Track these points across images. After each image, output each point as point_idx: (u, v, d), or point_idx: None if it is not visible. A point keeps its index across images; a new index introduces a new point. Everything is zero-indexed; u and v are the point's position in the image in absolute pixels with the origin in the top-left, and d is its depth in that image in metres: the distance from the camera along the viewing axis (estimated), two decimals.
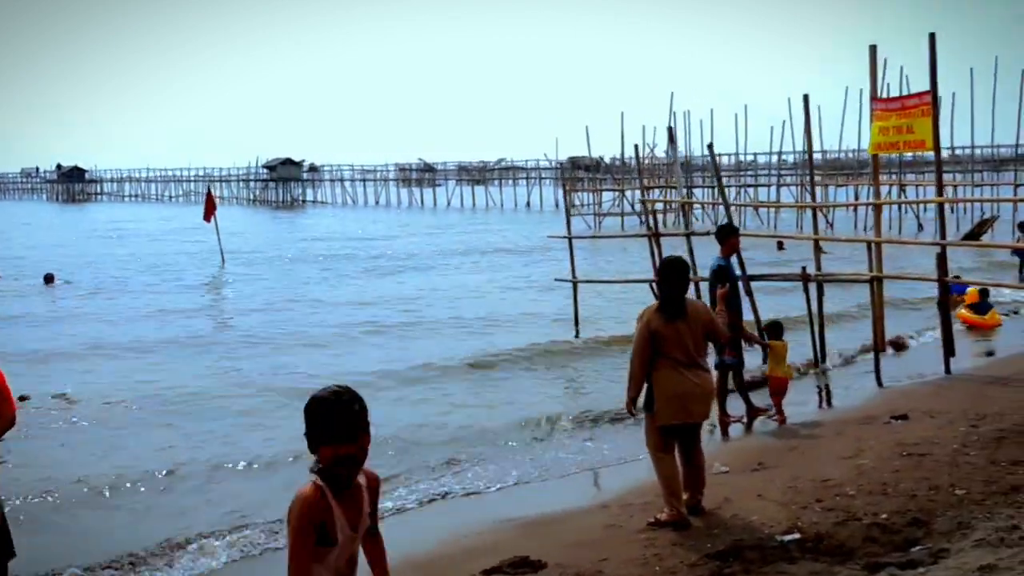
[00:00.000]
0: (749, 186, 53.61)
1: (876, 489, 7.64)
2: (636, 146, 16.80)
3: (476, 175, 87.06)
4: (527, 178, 79.34)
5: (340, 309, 22.30)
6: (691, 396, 7.13)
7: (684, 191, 47.17)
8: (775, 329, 11.18)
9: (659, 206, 42.45)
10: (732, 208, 44.31)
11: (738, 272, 14.33)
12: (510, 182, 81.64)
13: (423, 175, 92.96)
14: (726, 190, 52.12)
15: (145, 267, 33.21)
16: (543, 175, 75.81)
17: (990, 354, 15.41)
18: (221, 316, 22.44)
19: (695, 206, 43.65)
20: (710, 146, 14.64)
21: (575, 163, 69.59)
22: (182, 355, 17.04)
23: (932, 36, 12.78)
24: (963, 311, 17.82)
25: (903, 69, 37.33)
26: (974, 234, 34.67)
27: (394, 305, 22.65)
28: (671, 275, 7.25)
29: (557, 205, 52.20)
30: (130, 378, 14.99)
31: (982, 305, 17.72)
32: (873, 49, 13.79)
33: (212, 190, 35.97)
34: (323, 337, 18.64)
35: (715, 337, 7.45)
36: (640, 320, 7.28)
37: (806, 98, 14.38)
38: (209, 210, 31.31)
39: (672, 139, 16.06)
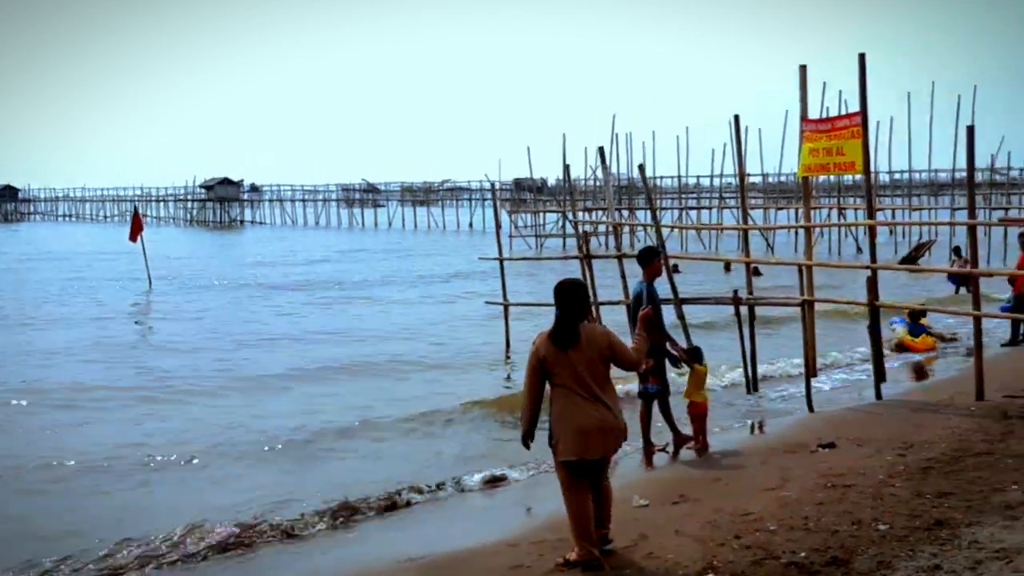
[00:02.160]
0: (692, 208, 53.75)
1: (797, 524, 7.30)
2: (567, 166, 16.43)
3: (421, 196, 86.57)
4: (470, 199, 79.05)
5: (265, 348, 20.13)
6: (589, 431, 6.55)
7: (617, 212, 47.36)
8: (695, 354, 10.84)
9: (601, 228, 42.39)
10: (675, 230, 44.45)
11: (670, 295, 14.09)
12: (452, 203, 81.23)
13: (367, 196, 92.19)
14: (668, 212, 52.28)
15: (64, 291, 31.66)
16: (487, 196, 75.57)
17: (922, 378, 15.30)
18: (136, 353, 19.94)
19: (641, 228, 43.66)
20: (641, 167, 14.36)
21: (519, 184, 69.38)
22: (78, 402, 14.74)
23: (862, 57, 12.62)
24: (900, 330, 17.81)
25: (841, 93, 37.60)
26: (911, 258, 35.00)
27: (327, 342, 20.74)
28: (560, 300, 6.68)
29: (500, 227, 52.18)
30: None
31: (916, 326, 17.69)
32: (803, 69, 13.61)
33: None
34: (242, 382, 16.45)
35: (620, 363, 6.81)
36: (532, 347, 6.77)
37: (736, 119, 14.16)
38: (135, 230, 30.36)
39: (604, 160, 15.71)
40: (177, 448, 11.77)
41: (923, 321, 18.15)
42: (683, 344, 11.52)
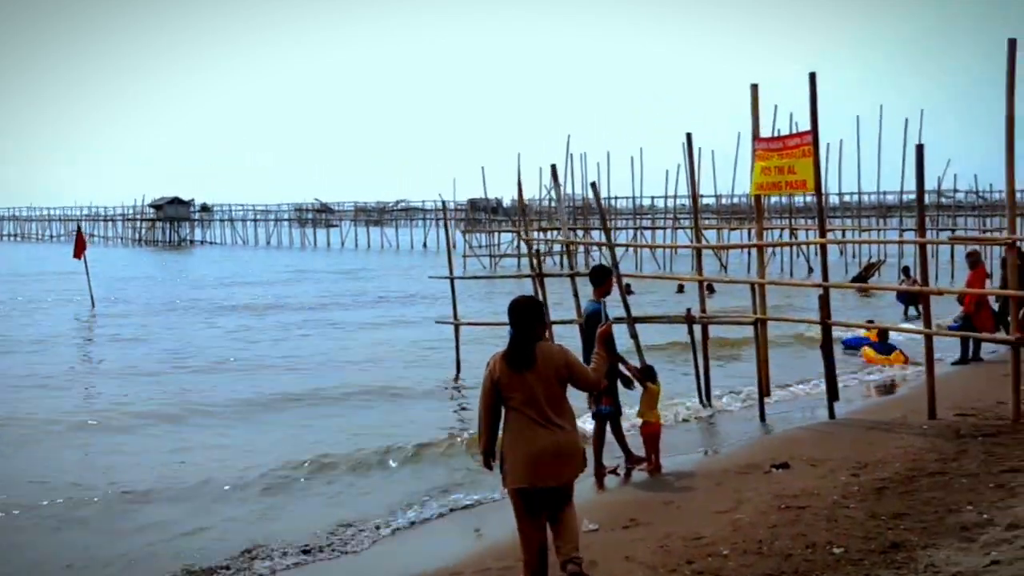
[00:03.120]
0: (646, 228, 53.93)
1: (751, 548, 7.11)
2: (520, 183, 16.24)
3: (375, 216, 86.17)
4: (424, 219, 78.84)
5: (211, 375, 18.71)
6: (542, 457, 6.13)
7: (570, 231, 47.31)
8: (648, 373, 10.66)
9: (556, 247, 42.31)
10: (629, 250, 44.40)
11: (623, 313, 13.93)
12: (406, 223, 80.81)
13: (319, 216, 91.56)
14: (623, 233, 52.21)
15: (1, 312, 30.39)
16: (439, 216, 75.55)
17: (877, 396, 15.26)
18: (76, 379, 18.69)
19: (596, 247, 43.64)
20: (594, 185, 14.19)
21: (474, 205, 69.23)
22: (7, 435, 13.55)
23: (812, 75, 12.61)
24: (866, 349, 17.86)
25: (792, 116, 37.97)
26: (861, 278, 35.33)
27: (276, 368, 19.38)
28: (515, 318, 6.31)
29: (454, 246, 51.75)
30: None
31: (885, 345, 17.73)
32: (755, 88, 13.61)
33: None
34: (188, 412, 15.17)
35: (578, 383, 6.42)
36: (486, 368, 6.41)
37: (689, 137, 14.08)
38: (79, 248, 29.66)
39: (556, 178, 15.53)
40: (114, 486, 10.80)
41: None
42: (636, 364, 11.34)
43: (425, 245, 72.44)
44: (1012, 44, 10.87)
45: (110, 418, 14.84)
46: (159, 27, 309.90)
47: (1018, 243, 11.90)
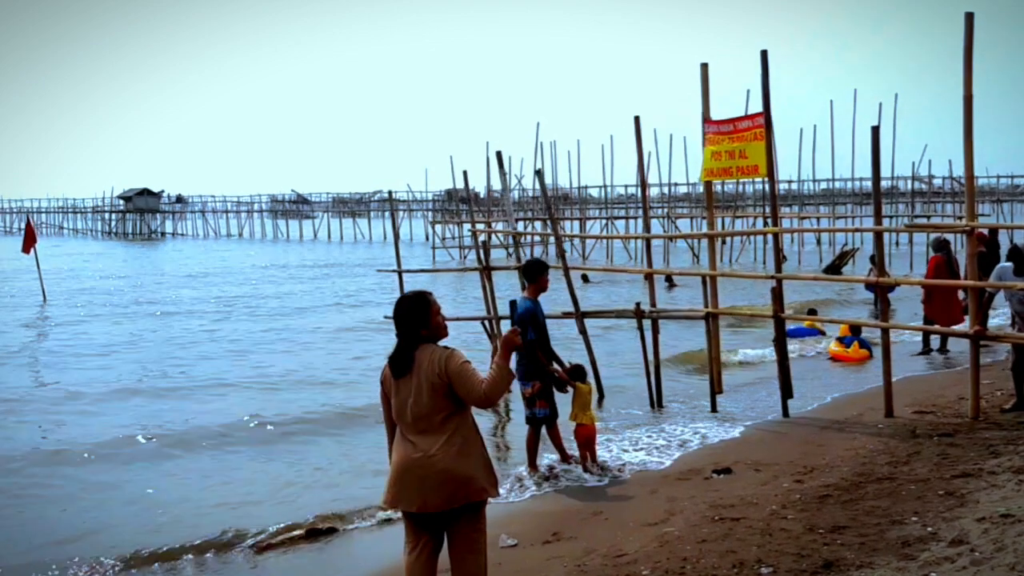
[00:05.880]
0: (618, 219, 53.17)
1: (674, 567, 6.48)
2: (465, 172, 15.48)
3: (353, 207, 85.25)
4: (399, 210, 78.11)
5: (153, 398, 15.30)
6: (401, 477, 5.31)
7: (535, 222, 46.63)
8: (578, 372, 10.01)
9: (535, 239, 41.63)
10: (601, 240, 43.70)
11: (571, 310, 13.33)
12: (378, 214, 79.67)
13: (296, 207, 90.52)
14: (596, 223, 51.36)
15: None
16: (414, 208, 74.99)
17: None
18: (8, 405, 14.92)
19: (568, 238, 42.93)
20: (538, 172, 13.52)
21: (451, 195, 68.41)
22: None
23: (764, 53, 11.97)
24: (832, 346, 17.34)
25: None
26: (834, 266, 34.79)
27: (238, 388, 16.01)
28: (395, 317, 5.51)
29: (427, 238, 50.77)
30: None
31: (847, 339, 17.20)
32: (705, 68, 12.94)
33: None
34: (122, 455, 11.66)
35: (464, 396, 5.25)
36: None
37: (637, 120, 13.41)
38: (29, 241, 28.52)
39: (501, 165, 14.82)
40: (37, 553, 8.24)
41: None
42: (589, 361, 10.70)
43: (398, 237, 71.58)
44: (969, 19, 10.23)
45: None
46: (133, 22, 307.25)
47: (976, 230, 11.30)
